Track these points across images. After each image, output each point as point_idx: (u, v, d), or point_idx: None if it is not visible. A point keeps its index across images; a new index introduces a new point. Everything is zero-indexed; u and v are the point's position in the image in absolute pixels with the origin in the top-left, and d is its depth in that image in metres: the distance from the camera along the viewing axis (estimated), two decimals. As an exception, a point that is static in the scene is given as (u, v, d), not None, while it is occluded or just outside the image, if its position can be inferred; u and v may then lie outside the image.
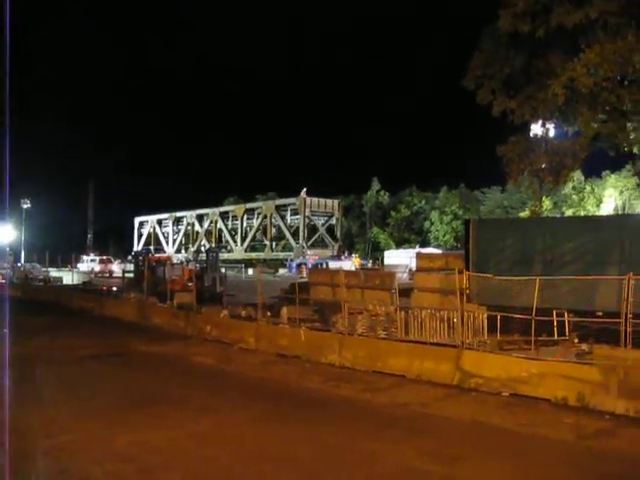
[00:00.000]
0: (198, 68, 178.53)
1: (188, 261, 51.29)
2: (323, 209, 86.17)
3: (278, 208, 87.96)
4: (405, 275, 43.42)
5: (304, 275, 52.39)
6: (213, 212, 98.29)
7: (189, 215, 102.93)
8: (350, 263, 64.16)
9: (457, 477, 9.60)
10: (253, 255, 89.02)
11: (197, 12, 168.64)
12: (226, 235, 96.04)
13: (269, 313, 23.47)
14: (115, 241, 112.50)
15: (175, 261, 50.31)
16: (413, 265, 33.56)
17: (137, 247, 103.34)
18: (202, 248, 77.87)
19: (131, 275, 39.94)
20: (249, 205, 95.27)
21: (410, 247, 79.79)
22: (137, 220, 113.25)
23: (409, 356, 16.85)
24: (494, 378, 14.90)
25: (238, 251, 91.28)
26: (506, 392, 14.54)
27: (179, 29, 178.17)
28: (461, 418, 13.03)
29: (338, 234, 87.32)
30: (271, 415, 13.06)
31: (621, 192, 74.76)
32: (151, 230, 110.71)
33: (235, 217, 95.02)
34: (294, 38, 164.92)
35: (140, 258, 38.98)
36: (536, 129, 33.74)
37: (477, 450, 10.94)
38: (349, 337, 18.85)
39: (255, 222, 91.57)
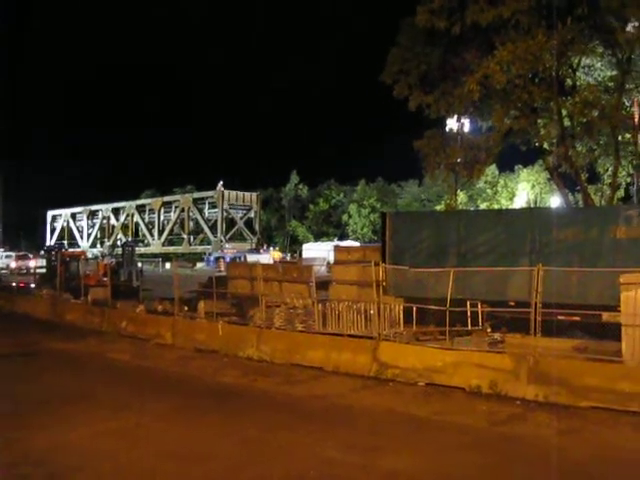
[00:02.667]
0: (114, 57, 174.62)
1: (103, 256, 50.25)
2: (241, 202, 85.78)
3: (196, 201, 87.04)
4: (323, 268, 43.66)
5: (222, 269, 52.04)
6: (130, 205, 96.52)
7: (104, 208, 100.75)
8: (268, 256, 64.11)
9: (375, 466, 9.69)
10: (171, 249, 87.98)
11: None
12: (143, 229, 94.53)
13: (186, 308, 23.21)
14: (27, 235, 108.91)
15: (90, 256, 49.22)
16: (331, 258, 33.83)
17: (50, 242, 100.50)
18: (118, 242, 76.29)
19: (44, 271, 38.81)
20: (167, 198, 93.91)
21: (328, 240, 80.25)
22: (50, 214, 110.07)
23: (327, 348, 16.92)
24: (410, 368, 15.12)
25: (155, 245, 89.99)
26: (422, 382, 14.78)
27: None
28: (378, 408, 13.20)
29: (257, 227, 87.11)
30: (189, 410, 12.91)
31: (533, 186, 77.04)
32: (65, 224, 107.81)
33: (152, 210, 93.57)
34: (205, 31, 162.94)
35: (53, 253, 37.95)
36: (452, 124, 34.36)
37: (394, 439, 11.09)
38: (267, 330, 18.82)
39: (173, 215, 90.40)
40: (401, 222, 22.56)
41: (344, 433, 11.36)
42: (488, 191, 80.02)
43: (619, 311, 14.39)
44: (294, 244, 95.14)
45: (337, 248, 28.47)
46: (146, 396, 14.14)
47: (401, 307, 18.33)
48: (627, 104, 28.61)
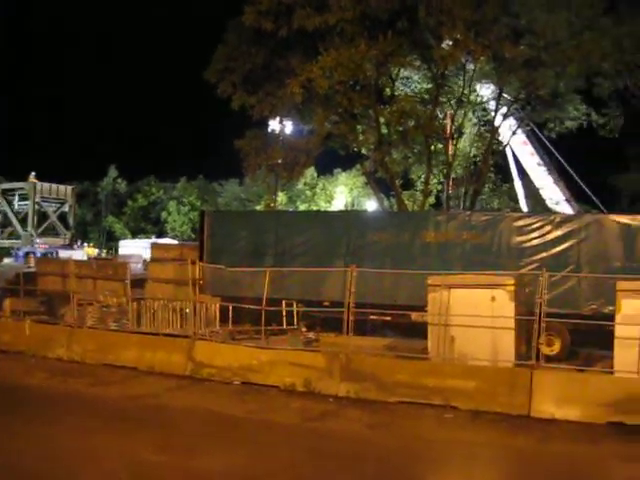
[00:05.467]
0: None
1: None
2: (55, 195, 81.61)
3: (5, 192, 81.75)
4: (140, 265, 42.82)
5: (32, 265, 49.43)
6: None
7: None
8: (82, 252, 61.81)
9: (189, 467, 9.57)
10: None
11: None
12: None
13: (-11, 306, 21.80)
14: None
15: None
16: (148, 255, 33.15)
17: None
18: None
19: None
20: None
21: (146, 237, 78.57)
22: None
23: (141, 348, 16.57)
24: (226, 367, 15.12)
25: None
26: (238, 381, 14.83)
27: None
28: (193, 408, 13.12)
29: (71, 222, 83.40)
30: (-12, 418, 12.01)
31: (351, 189, 79.47)
32: None
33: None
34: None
35: None
36: (274, 125, 34.70)
37: (209, 439, 11.04)
38: (78, 330, 18.10)
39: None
40: (219, 221, 22.55)
41: (158, 434, 11.15)
42: (307, 193, 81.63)
43: (426, 311, 15.18)
44: (111, 240, 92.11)
45: (154, 245, 27.88)
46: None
47: (217, 306, 18.28)
48: (440, 116, 30.25)
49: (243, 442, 10.90)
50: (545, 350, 14.29)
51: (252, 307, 16.53)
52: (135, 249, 59.06)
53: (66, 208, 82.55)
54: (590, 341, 16.30)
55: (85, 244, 76.92)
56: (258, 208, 67.96)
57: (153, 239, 67.40)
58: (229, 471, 9.53)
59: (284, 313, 19.03)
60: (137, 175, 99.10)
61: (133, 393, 14.07)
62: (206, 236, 21.57)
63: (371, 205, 62.59)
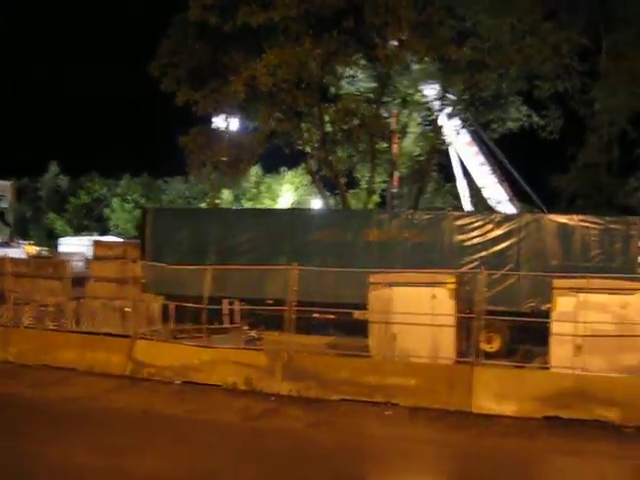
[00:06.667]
0: None
1: None
2: (-7, 191, 79.73)
3: (-63, 187, 79.49)
4: (81, 264, 42.03)
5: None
6: None
7: None
8: (21, 251, 60.30)
9: (126, 469, 9.42)
10: None
11: None
12: None
13: None
14: None
15: None
16: (91, 253, 32.57)
17: None
18: None
19: None
20: None
21: (89, 235, 77.20)
22: None
23: (80, 348, 16.20)
24: (167, 367, 14.96)
25: None
26: (179, 380, 14.68)
27: None
28: (132, 409, 12.94)
29: (9, 219, 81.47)
30: None
31: (297, 188, 79.33)
32: None
33: None
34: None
35: None
36: (218, 122, 34.41)
37: (148, 440, 10.90)
38: (14, 330, 17.59)
39: None
40: (162, 218, 22.33)
41: (96, 436, 10.94)
42: (253, 191, 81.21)
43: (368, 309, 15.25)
44: (52, 238, 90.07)
45: (96, 243, 27.39)
46: None
47: (159, 305, 18.06)
48: (385, 115, 30.39)
49: (182, 442, 10.78)
50: (485, 347, 14.51)
51: (194, 306, 16.38)
52: (78, 247, 57.94)
53: (4, 204, 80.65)
54: (529, 338, 16.67)
55: (25, 242, 75.07)
56: (203, 206, 67.30)
57: (96, 236, 66.18)
58: (165, 472, 9.43)
59: (225, 311, 18.90)
60: (80, 171, 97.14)
61: (71, 395, 13.76)
62: (148, 234, 21.32)
63: (316, 204, 62.54)
